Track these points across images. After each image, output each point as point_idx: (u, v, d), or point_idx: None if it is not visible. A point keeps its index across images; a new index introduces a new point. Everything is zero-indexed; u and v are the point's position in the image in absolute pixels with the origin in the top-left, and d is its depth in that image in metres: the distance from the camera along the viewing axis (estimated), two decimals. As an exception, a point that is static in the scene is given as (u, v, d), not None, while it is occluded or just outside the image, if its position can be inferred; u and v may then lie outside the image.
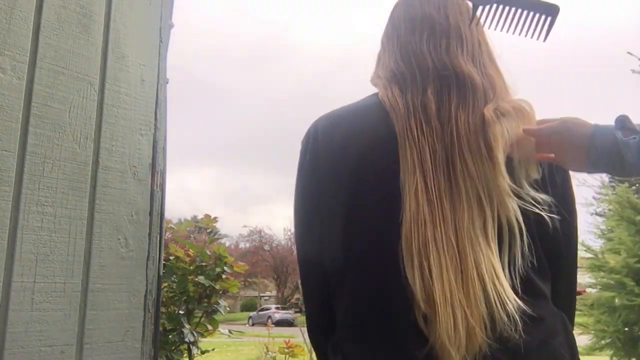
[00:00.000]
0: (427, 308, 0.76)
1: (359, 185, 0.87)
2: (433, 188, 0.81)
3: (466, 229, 0.79)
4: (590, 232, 6.01)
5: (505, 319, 0.75)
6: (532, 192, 0.82)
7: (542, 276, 0.84)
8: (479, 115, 0.86)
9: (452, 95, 0.88)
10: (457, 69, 0.90)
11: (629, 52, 5.25)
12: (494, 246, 0.80)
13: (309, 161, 0.95)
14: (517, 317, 0.76)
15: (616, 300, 5.37)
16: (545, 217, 0.82)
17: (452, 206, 0.81)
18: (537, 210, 0.81)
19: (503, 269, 0.79)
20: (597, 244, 6.11)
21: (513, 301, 0.76)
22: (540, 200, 0.82)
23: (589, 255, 5.94)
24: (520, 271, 0.80)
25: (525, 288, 0.80)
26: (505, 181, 0.81)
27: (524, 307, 0.77)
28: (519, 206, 0.81)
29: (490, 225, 0.80)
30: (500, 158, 0.82)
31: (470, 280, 0.77)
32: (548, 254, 0.85)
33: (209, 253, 3.01)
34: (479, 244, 0.79)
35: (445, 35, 0.93)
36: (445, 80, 0.89)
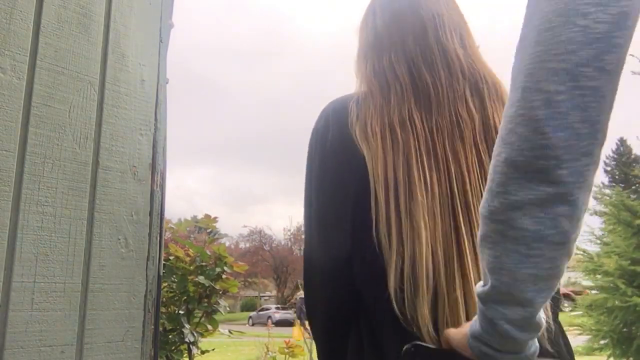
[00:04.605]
0: None
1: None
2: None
3: None
4: (586, 232, 6.04)
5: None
6: None
7: None
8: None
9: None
10: (481, 71, 0.90)
11: (630, 54, 5.27)
12: None
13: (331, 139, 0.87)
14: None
15: (615, 302, 5.40)
16: None
17: None
18: None
19: None
20: (593, 248, 6.17)
21: None
22: None
23: (585, 258, 5.97)
24: None
25: None
26: None
27: None
28: None
29: None
30: None
31: None
32: None
33: (209, 253, 3.01)
34: None
35: (459, 40, 0.92)
36: (475, 85, 0.89)
